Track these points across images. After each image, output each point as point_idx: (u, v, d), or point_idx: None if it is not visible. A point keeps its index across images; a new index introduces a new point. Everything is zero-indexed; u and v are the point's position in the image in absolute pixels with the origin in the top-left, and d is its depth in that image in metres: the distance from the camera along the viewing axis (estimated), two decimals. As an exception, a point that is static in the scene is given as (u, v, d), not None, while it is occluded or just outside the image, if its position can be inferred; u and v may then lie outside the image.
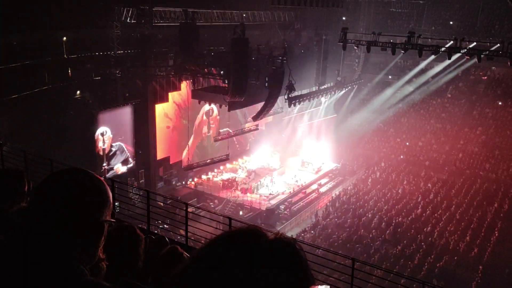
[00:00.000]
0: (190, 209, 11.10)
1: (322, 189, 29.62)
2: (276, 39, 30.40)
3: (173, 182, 26.96)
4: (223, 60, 24.13)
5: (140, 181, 24.61)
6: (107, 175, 21.96)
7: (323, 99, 33.22)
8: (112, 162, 23.11)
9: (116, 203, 13.04)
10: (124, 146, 23.68)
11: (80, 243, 1.32)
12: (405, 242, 21.79)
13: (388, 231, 22.89)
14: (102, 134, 22.07)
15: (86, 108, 22.06)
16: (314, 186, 29.68)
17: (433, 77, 34.97)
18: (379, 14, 37.10)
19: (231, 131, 29.36)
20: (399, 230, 23.08)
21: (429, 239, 22.15)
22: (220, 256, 1.00)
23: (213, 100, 25.56)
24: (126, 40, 23.65)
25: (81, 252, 1.32)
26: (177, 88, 25.91)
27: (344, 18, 33.66)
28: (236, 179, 28.92)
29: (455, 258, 20.40)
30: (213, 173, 29.38)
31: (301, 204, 27.33)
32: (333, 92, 33.12)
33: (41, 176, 2.00)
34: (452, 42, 24.35)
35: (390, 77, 36.49)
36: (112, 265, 2.79)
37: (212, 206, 25.85)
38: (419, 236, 22.40)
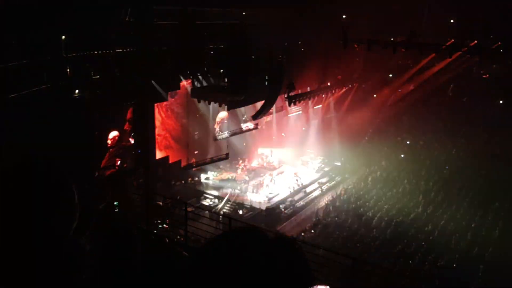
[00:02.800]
0: (189, 209, 11.06)
1: (323, 188, 29.58)
2: (276, 38, 30.29)
3: (172, 182, 26.93)
4: (223, 58, 24.10)
5: (139, 181, 24.55)
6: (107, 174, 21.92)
7: (323, 97, 33.21)
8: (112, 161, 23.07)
9: (115, 203, 13.00)
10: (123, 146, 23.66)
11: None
12: (405, 241, 21.76)
13: (388, 230, 22.87)
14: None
15: (85, 108, 21.99)
16: (315, 185, 29.65)
17: (434, 75, 34.93)
18: (380, 12, 37.01)
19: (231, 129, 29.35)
20: (399, 229, 23.05)
21: (430, 238, 22.13)
22: (219, 257, 0.98)
23: (212, 99, 25.53)
24: (125, 38, 23.58)
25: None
26: (176, 87, 25.87)
27: (344, 17, 33.54)
28: (236, 179, 28.90)
29: (456, 257, 20.37)
30: (212, 172, 29.36)
31: (301, 203, 27.31)
32: (333, 91, 33.12)
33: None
34: (453, 40, 24.31)
35: (390, 75, 36.45)
36: (108, 265, 2.72)
37: (211, 205, 25.84)
38: (419, 235, 22.38)
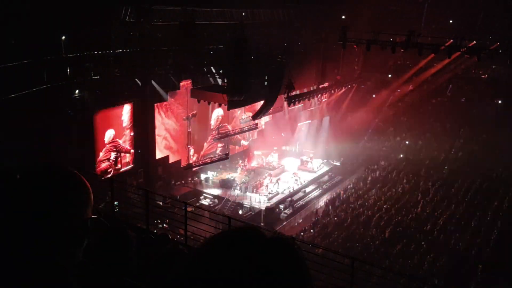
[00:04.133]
0: (189, 209, 11.08)
1: (322, 188, 29.57)
2: (275, 38, 30.31)
3: (172, 182, 26.93)
4: (223, 59, 24.12)
5: (139, 181, 24.58)
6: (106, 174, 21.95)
7: (322, 97, 33.21)
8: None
9: (115, 203, 13.01)
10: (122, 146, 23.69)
11: (62, 241, 1.22)
12: (404, 241, 21.78)
13: (387, 230, 22.89)
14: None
15: (85, 108, 22.01)
16: (314, 185, 29.64)
17: (433, 75, 34.93)
18: (379, 12, 37.03)
19: (230, 129, 29.34)
20: (398, 229, 23.06)
21: (429, 238, 22.14)
22: (217, 256, 0.98)
23: (212, 99, 25.53)
24: (125, 39, 23.58)
25: (64, 251, 1.22)
26: (176, 87, 25.88)
27: (343, 17, 33.59)
28: (236, 179, 28.89)
29: (455, 257, 20.39)
30: (212, 172, 29.34)
31: (301, 203, 27.30)
32: (332, 91, 33.12)
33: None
34: (452, 40, 24.33)
35: (389, 75, 36.47)
36: (102, 265, 2.76)
37: (211, 205, 25.84)
38: (418, 235, 22.39)
